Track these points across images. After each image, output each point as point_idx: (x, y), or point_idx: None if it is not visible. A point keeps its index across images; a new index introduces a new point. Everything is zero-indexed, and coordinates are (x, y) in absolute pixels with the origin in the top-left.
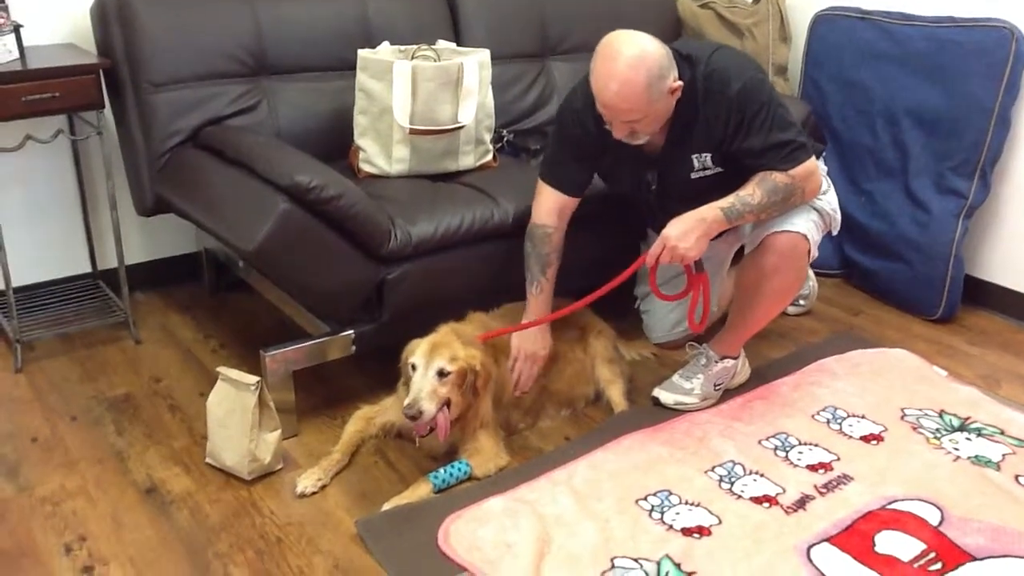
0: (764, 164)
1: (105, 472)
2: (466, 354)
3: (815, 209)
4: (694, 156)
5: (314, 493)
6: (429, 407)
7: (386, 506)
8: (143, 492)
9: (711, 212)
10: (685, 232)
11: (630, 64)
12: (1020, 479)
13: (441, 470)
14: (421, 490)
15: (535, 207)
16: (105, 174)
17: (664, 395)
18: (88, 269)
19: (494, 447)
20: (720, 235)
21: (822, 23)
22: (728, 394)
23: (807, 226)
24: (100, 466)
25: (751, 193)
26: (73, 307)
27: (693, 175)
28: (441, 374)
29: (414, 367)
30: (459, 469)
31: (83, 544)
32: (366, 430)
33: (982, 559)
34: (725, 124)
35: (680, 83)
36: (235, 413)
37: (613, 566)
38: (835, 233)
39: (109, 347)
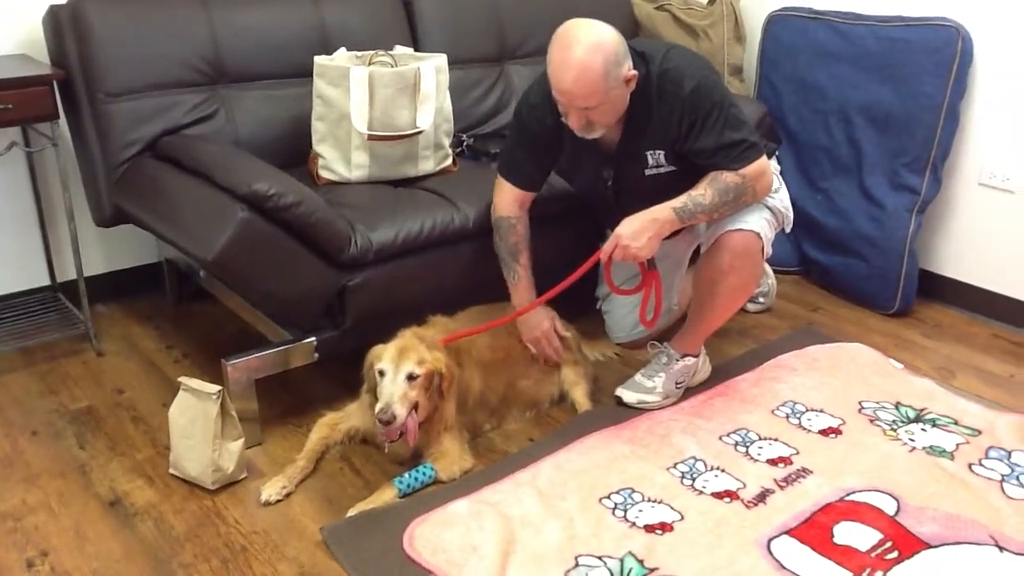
0: (716, 163)
1: (67, 486)
2: (432, 357)
3: (768, 207)
4: (648, 153)
5: (279, 501)
6: (401, 411)
7: (351, 512)
8: (106, 505)
9: (663, 212)
10: (637, 232)
11: (587, 50)
12: (973, 468)
13: (406, 474)
14: (386, 495)
15: (495, 200)
16: (61, 186)
17: (627, 394)
18: (47, 282)
19: (459, 450)
20: (676, 234)
21: (775, 23)
22: (689, 392)
23: (760, 224)
24: (62, 480)
25: (703, 193)
26: (33, 320)
27: (647, 172)
28: (410, 378)
29: (382, 373)
30: (424, 473)
31: (45, 559)
32: (330, 437)
33: (937, 546)
34: (679, 123)
35: (635, 72)
36: (197, 423)
37: (577, 564)
38: (788, 231)
39: (70, 360)
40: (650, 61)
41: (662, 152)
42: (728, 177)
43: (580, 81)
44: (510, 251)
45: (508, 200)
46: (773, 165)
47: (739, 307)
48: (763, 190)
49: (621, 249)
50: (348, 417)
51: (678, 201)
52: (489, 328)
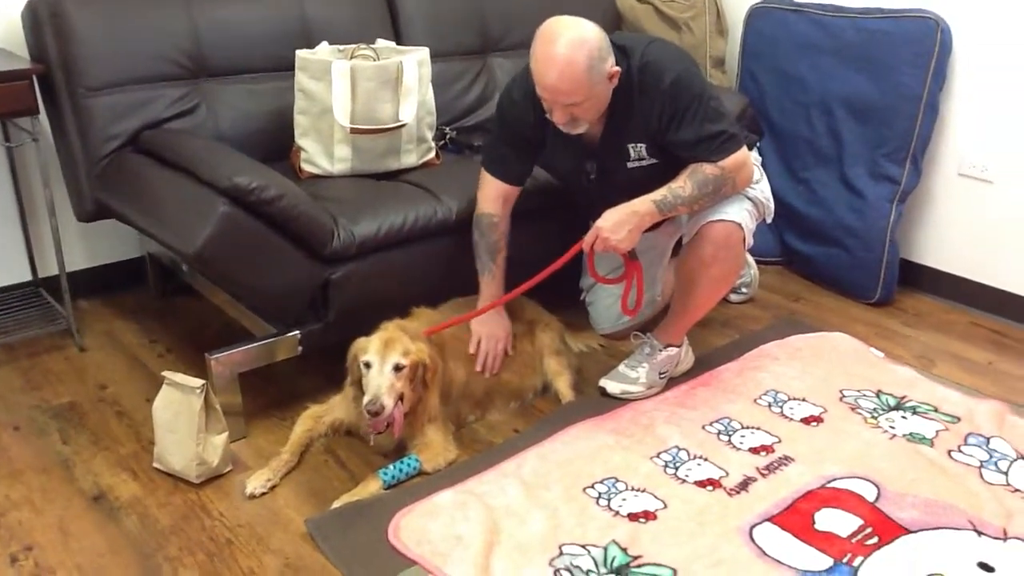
0: (696, 156)
1: (51, 481)
2: (416, 348)
3: (749, 198)
4: (630, 146)
5: (264, 494)
6: (389, 402)
7: (336, 504)
8: (90, 499)
9: (643, 205)
10: (617, 224)
11: (571, 46)
12: (953, 454)
13: (391, 466)
14: (371, 487)
15: (479, 196)
16: (42, 181)
17: (610, 384)
18: (29, 277)
19: (443, 441)
20: (659, 225)
21: (757, 16)
22: (673, 382)
23: (741, 215)
24: (45, 475)
25: (682, 185)
26: (14, 316)
27: (630, 164)
28: (396, 369)
29: (368, 364)
30: (408, 464)
31: (29, 554)
32: (315, 429)
33: (916, 531)
34: (659, 116)
35: (618, 69)
36: (181, 417)
37: (561, 553)
38: (768, 221)
39: (53, 355)
40: (631, 55)
41: (644, 145)
42: (708, 169)
43: (564, 77)
44: (489, 248)
45: (493, 196)
46: (754, 156)
47: (721, 297)
48: (743, 182)
49: (602, 241)
50: (332, 409)
51: (658, 193)
52: (471, 318)
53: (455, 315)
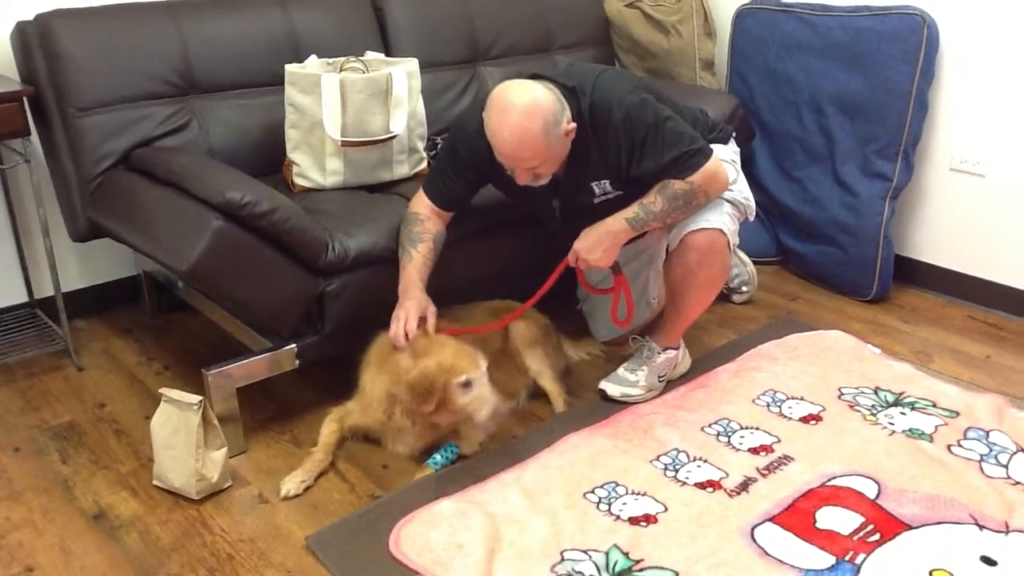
0: (663, 178)
1: (51, 501)
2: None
3: (728, 201)
4: (594, 184)
5: (298, 495)
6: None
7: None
8: (90, 519)
9: (616, 223)
10: (593, 244)
11: (524, 113)
12: (952, 449)
13: (437, 455)
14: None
15: (412, 201)
16: (36, 202)
17: (610, 387)
18: (25, 299)
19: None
20: (643, 235)
21: (745, 17)
22: (671, 384)
23: (722, 220)
24: (45, 495)
25: (653, 201)
26: (11, 338)
27: (596, 200)
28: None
29: (468, 383)
30: (451, 451)
31: (31, 575)
32: (341, 429)
33: (917, 527)
34: (617, 152)
35: (574, 125)
36: (180, 433)
37: (563, 559)
38: (752, 219)
39: (51, 376)
40: (580, 95)
41: (607, 181)
42: (677, 185)
43: (522, 145)
44: (410, 237)
45: (426, 206)
46: (731, 151)
47: (713, 299)
48: (716, 191)
49: (582, 261)
50: (350, 414)
51: (630, 211)
52: (481, 331)
53: (450, 324)
